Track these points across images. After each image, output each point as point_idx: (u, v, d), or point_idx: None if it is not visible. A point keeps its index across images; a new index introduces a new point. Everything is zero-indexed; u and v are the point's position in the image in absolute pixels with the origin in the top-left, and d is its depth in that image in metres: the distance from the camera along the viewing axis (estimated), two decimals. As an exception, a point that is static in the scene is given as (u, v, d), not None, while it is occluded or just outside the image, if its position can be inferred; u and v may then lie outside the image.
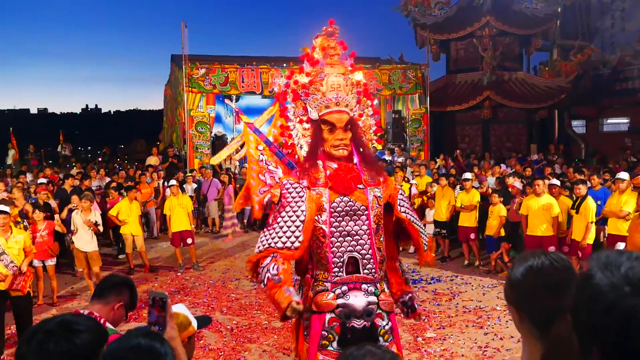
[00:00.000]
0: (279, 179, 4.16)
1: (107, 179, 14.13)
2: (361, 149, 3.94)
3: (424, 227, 4.18)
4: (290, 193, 3.74)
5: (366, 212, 3.75)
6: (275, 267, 3.53)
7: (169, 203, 10.60)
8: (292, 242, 3.60)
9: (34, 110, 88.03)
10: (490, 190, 10.86)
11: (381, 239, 3.85)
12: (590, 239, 8.38)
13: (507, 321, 7.17)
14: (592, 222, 8.34)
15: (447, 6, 20.26)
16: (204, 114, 16.07)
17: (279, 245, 3.60)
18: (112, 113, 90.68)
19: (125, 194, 10.83)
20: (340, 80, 3.91)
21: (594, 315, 1.11)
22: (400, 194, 4.07)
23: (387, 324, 3.77)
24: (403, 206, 4.01)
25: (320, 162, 3.84)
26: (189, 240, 10.33)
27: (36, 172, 15.98)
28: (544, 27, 19.90)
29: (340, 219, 3.73)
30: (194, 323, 2.52)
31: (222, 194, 13.60)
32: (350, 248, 3.71)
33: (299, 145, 4.03)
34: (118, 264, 10.85)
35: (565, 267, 1.61)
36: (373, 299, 3.71)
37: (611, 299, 1.09)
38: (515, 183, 10.31)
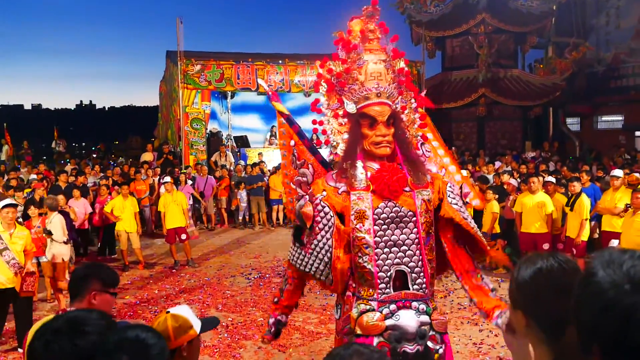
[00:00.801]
0: (310, 184, 3.68)
1: (102, 175, 14.10)
2: (405, 147, 3.46)
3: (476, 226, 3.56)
4: (321, 218, 3.35)
5: (414, 218, 3.29)
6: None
7: (163, 200, 10.58)
8: (326, 277, 3.36)
9: (28, 106, 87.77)
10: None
11: (432, 249, 3.39)
12: (585, 236, 8.43)
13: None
14: (586, 219, 8.38)
15: (443, 3, 20.25)
16: (199, 111, 16.07)
17: (309, 270, 3.42)
18: (106, 109, 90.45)
19: (118, 190, 10.79)
20: (381, 68, 3.41)
21: (594, 312, 1.12)
22: (450, 187, 3.51)
23: (441, 347, 3.28)
24: (454, 199, 3.46)
25: (360, 162, 3.38)
26: (183, 237, 10.31)
27: (30, 168, 15.91)
28: (539, 24, 19.92)
29: (385, 227, 3.27)
30: (197, 326, 2.43)
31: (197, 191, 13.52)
32: (397, 260, 3.25)
33: (334, 142, 3.56)
34: (112, 261, 10.81)
35: (575, 270, 1.57)
36: (425, 318, 3.24)
37: (611, 297, 1.10)
38: (511, 180, 10.33)
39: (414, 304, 3.24)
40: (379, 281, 3.24)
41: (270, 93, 4.09)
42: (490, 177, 12.20)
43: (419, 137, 3.73)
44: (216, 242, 12.52)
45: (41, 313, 7.62)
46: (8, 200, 6.80)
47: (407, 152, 3.45)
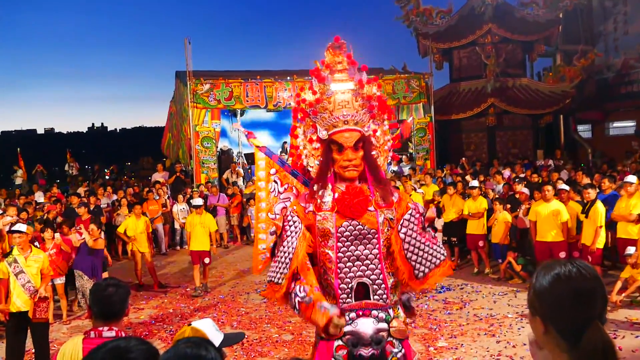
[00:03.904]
0: (290, 204, 4.00)
1: (115, 197, 14.19)
2: (373, 169, 3.78)
3: (435, 248, 3.79)
4: (289, 227, 3.70)
5: (376, 235, 3.64)
6: (302, 288, 3.55)
7: (190, 219, 10.33)
8: (278, 279, 3.65)
9: (40, 131, 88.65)
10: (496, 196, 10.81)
11: (392, 263, 3.70)
12: (600, 244, 8.32)
13: (519, 328, 7.12)
14: (601, 227, 8.29)
15: (449, 15, 20.35)
16: (210, 129, 16.15)
17: (276, 280, 3.66)
18: (118, 131, 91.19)
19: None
20: (348, 97, 3.74)
21: None
22: (409, 214, 3.75)
23: (400, 351, 3.65)
24: (406, 227, 3.71)
25: (330, 185, 3.73)
26: (207, 260, 10.01)
27: (44, 192, 16.05)
28: (546, 32, 19.93)
29: (349, 243, 3.64)
30: (215, 341, 2.41)
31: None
32: (359, 273, 3.63)
33: (308, 165, 3.94)
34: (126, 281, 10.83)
35: (594, 276, 1.55)
36: (383, 325, 3.61)
37: None
38: (523, 189, 10.26)
39: (374, 312, 3.63)
40: (339, 292, 3.63)
41: (246, 132, 4.48)
42: (499, 187, 12.07)
43: (389, 158, 4.06)
44: (229, 260, 12.53)
45: (57, 335, 7.65)
46: (18, 226, 6.80)
47: (375, 174, 3.77)
